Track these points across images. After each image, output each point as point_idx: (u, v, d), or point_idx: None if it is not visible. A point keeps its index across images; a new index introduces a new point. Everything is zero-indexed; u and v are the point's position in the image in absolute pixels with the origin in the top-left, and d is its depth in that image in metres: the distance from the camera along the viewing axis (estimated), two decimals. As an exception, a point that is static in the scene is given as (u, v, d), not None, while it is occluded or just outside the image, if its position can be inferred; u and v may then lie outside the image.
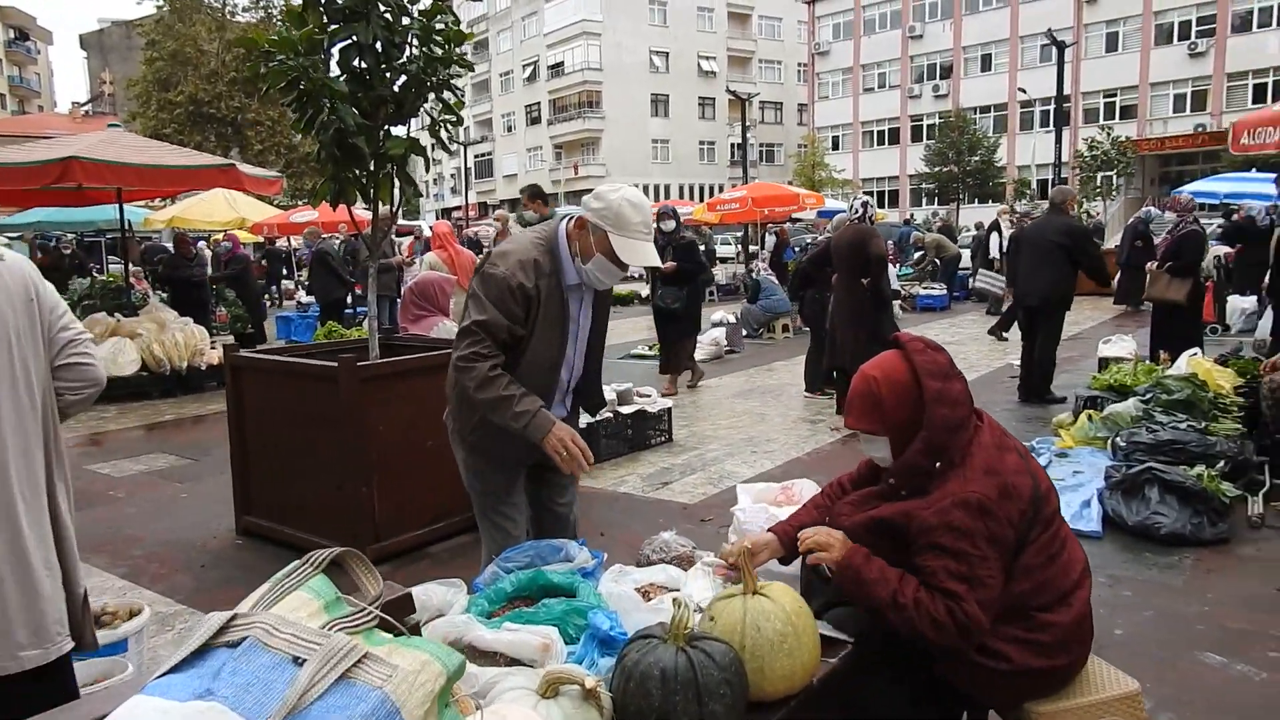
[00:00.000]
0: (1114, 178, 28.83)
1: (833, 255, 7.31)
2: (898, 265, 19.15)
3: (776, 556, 2.26)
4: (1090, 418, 5.88)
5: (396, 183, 4.55)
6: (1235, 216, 13.70)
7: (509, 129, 62.06)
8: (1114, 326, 12.13)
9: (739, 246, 28.21)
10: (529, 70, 59.20)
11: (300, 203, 24.20)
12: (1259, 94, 35.67)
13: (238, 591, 1.50)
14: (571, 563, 2.18)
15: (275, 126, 28.89)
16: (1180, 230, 8.15)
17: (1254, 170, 16.14)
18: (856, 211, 7.31)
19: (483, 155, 62.35)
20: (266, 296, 18.01)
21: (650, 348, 11.69)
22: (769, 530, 2.35)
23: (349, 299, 12.54)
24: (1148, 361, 7.22)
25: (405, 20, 4.26)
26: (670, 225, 8.32)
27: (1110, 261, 13.07)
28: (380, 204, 4.50)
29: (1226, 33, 37.65)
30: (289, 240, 22.10)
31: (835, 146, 51.41)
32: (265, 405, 4.78)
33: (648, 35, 55.84)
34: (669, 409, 6.93)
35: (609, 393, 6.50)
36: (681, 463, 6.31)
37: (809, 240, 23.85)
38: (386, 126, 4.35)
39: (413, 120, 4.56)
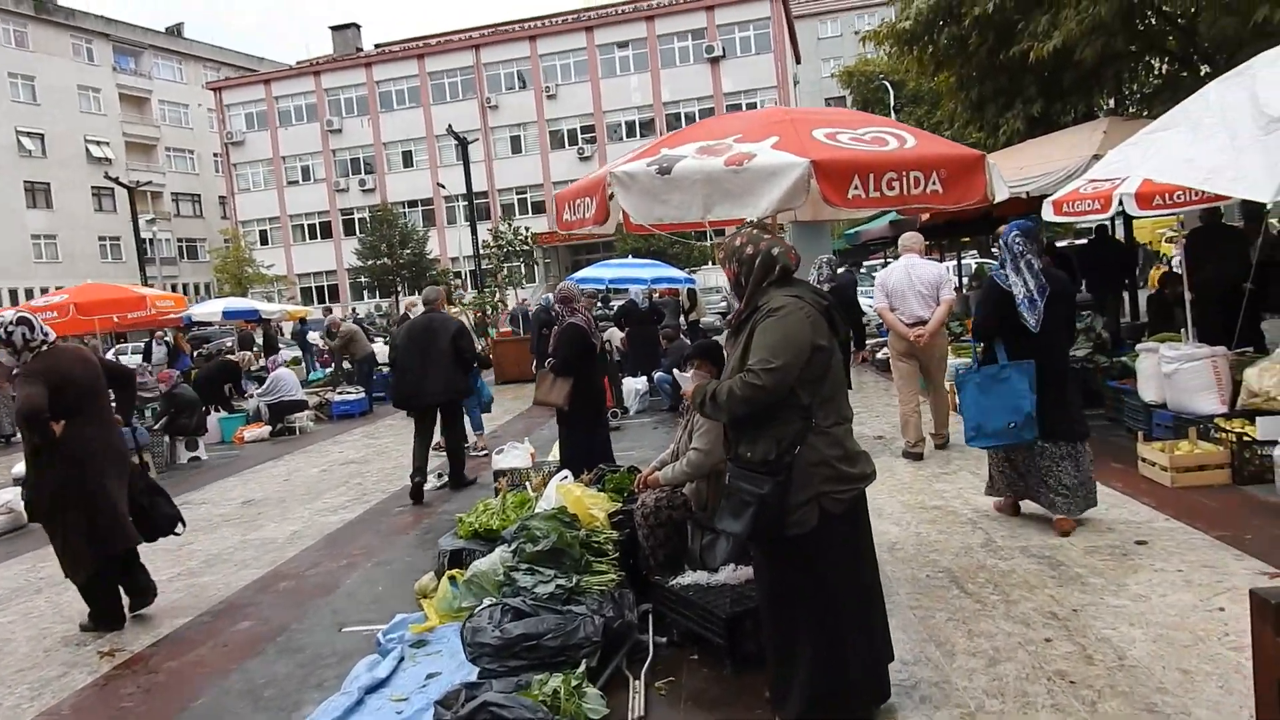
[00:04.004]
0: (522, 267, 30.58)
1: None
2: (307, 370, 17.10)
3: None
4: (454, 580, 4.40)
5: None
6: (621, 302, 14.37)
7: None
8: (525, 425, 11.47)
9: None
10: None
11: None
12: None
13: None
14: None
15: None
16: (561, 323, 7.34)
17: (631, 256, 17.52)
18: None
19: None
20: None
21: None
22: None
23: None
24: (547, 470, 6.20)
25: None
26: None
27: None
28: None
29: (605, 140, 43.53)
30: None
31: (264, 241, 47.89)
32: None
33: (10, 113, 46.34)
34: None
35: None
36: None
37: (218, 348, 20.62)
38: None
39: None
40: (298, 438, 12.30)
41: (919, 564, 4.89)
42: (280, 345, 21.06)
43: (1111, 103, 13.25)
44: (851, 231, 17.77)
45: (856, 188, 3.37)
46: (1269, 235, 8.65)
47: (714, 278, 34.89)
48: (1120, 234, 11.95)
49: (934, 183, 3.45)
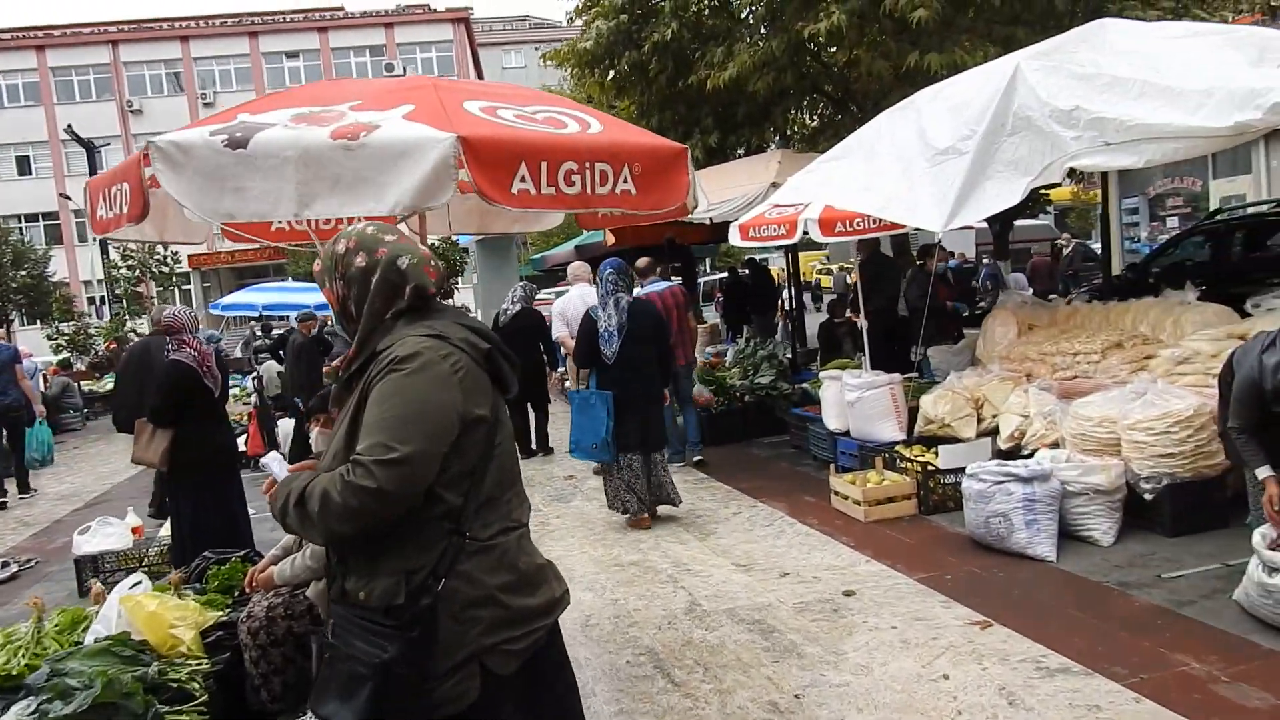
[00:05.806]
0: (175, 291, 26.60)
1: None
2: None
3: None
4: (-65, 771, 2.84)
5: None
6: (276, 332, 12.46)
7: None
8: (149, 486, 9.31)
9: None
10: None
11: None
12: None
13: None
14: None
15: None
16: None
17: (291, 280, 15.60)
18: None
19: None
20: None
21: None
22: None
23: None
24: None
25: None
26: None
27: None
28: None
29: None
30: None
31: None
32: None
33: None
34: None
35: None
36: None
37: None
38: None
39: None
40: None
41: (618, 645, 4.10)
42: None
43: (779, 139, 13.86)
44: (538, 256, 17.20)
45: (524, 180, 2.44)
46: (918, 272, 9.16)
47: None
48: (781, 264, 12.42)
49: (625, 180, 2.62)
